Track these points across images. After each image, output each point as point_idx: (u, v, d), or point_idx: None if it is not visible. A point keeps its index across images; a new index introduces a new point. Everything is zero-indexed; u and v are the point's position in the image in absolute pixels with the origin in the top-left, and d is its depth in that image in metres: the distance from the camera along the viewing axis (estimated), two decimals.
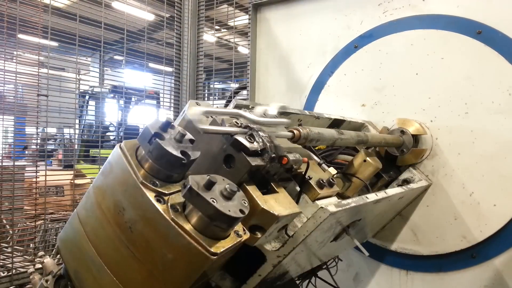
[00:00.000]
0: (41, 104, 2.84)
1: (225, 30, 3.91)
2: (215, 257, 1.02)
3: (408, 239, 2.37)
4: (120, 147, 1.13)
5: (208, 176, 1.03)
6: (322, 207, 1.36)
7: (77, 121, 4.45)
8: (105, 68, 6.50)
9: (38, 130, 3.10)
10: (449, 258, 2.28)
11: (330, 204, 1.41)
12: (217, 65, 3.75)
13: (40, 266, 1.62)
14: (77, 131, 5.50)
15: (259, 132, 1.25)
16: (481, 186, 2.17)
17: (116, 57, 7.58)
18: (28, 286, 2.60)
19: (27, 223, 3.25)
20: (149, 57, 3.52)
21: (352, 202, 1.53)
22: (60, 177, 3.53)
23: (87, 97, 7.82)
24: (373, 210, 1.90)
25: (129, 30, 3.27)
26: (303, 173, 1.39)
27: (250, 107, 1.58)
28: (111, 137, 7.38)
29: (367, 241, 2.42)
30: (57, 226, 3.72)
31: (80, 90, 6.75)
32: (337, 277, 2.23)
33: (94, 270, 1.15)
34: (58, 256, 2.42)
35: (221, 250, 1.03)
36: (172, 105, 3.63)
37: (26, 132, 3.77)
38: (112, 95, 7.80)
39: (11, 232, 3.16)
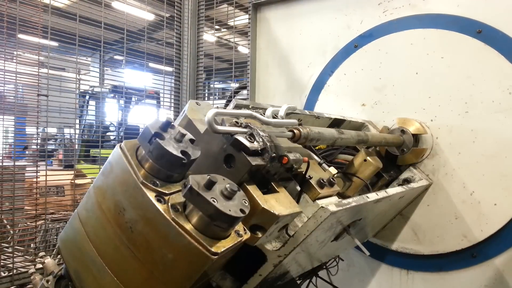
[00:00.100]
0: (41, 104, 2.83)
1: (225, 29, 3.91)
2: (215, 257, 1.02)
3: (408, 239, 2.37)
4: (121, 147, 1.13)
5: (209, 176, 1.03)
6: (322, 207, 1.36)
7: (77, 121, 4.44)
8: (105, 68, 6.49)
9: (38, 130, 3.10)
10: (449, 258, 2.28)
11: (331, 203, 1.41)
12: (217, 65, 3.74)
13: (41, 266, 1.62)
14: (77, 131, 5.50)
15: (260, 131, 1.25)
16: (481, 185, 2.17)
17: (116, 57, 7.57)
18: (29, 286, 2.60)
19: (28, 223, 3.25)
20: (149, 57, 3.51)
21: (352, 201, 1.53)
22: (60, 177, 3.53)
23: (87, 97, 7.82)
24: (373, 210, 1.90)
25: (129, 30, 3.27)
26: (303, 172, 1.39)
27: (250, 106, 1.58)
28: (112, 137, 7.39)
29: (368, 241, 2.42)
30: (57, 226, 3.72)
31: (80, 90, 6.77)
32: (338, 276, 2.23)
33: (95, 270, 1.15)
34: (59, 256, 2.42)
35: (222, 250, 1.03)
36: (172, 105, 3.63)
37: (26, 132, 3.76)
38: (112, 95, 7.81)
39: (11, 232, 3.15)
